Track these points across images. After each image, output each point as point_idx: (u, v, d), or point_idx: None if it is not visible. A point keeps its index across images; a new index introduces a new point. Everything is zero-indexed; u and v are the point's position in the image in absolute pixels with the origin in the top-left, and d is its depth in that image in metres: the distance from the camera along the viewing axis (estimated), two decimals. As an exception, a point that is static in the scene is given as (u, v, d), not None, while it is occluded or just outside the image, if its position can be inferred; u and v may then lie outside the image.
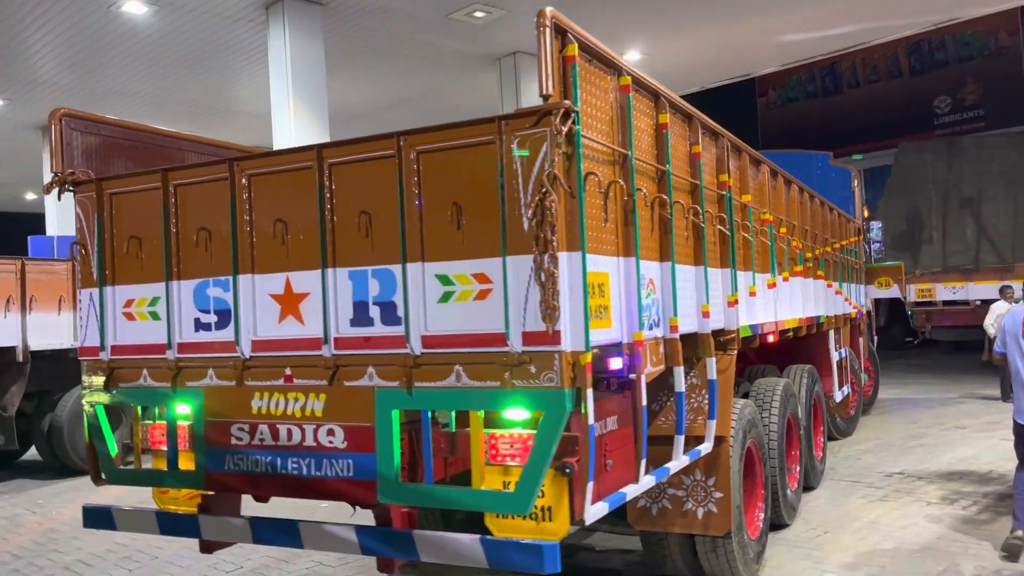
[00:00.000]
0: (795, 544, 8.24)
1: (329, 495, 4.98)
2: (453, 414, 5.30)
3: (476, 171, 4.55)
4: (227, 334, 5.31)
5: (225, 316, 5.33)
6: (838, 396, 11.79)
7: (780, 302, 8.68)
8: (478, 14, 15.04)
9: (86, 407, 5.84)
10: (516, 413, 4.65)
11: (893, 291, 15.31)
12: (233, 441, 5.26)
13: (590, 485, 4.44)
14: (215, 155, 6.83)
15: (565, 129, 4.31)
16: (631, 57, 17.82)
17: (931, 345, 25.92)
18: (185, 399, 5.45)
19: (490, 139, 4.50)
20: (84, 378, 5.83)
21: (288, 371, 5.08)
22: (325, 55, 14.29)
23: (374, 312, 4.85)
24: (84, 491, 12.40)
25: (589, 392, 4.36)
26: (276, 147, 13.73)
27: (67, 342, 12.99)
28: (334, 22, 14.73)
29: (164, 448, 5.77)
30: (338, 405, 4.92)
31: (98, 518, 5.82)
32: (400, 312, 4.76)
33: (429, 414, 4.79)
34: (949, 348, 25.79)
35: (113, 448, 5.81)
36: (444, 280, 4.64)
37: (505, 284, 4.44)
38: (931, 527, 8.63)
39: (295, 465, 5.05)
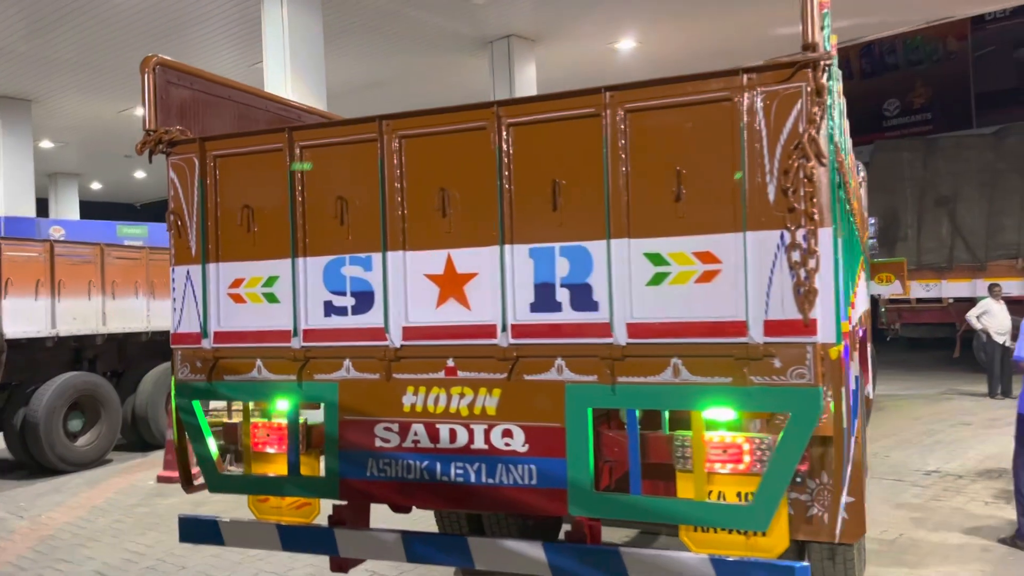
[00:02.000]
0: (877, 549, 7.85)
1: (503, 506, 4.33)
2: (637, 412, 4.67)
3: (702, 133, 3.95)
4: (370, 319, 4.60)
5: (366, 299, 4.62)
6: (871, 392, 11.52)
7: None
8: (482, -8, 14.38)
9: (179, 402, 5.04)
10: (723, 413, 4.08)
11: (895, 287, 15.18)
12: (378, 443, 4.56)
13: (844, 497, 3.90)
14: (309, 120, 6.07)
15: (818, 86, 3.74)
16: (626, 44, 17.39)
17: (892, 342, 26.20)
18: (313, 394, 4.71)
19: (725, 95, 3.90)
20: (177, 369, 5.03)
21: (451, 362, 4.41)
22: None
23: (562, 296, 4.21)
24: (66, 492, 11.40)
25: (843, 391, 3.80)
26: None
27: (44, 330, 11.91)
28: (332, -6, 13.90)
29: (271, 450, 5.02)
30: (517, 402, 4.27)
31: (199, 531, 5.04)
32: (597, 296, 4.14)
33: (636, 414, 4.17)
34: (907, 345, 26.09)
35: (215, 451, 5.03)
36: (656, 259, 4.03)
37: (745, 265, 3.84)
38: (1004, 526, 8.35)
39: (460, 471, 4.38)
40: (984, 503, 9.35)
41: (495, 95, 16.47)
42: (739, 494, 4.13)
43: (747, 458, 4.08)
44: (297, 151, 4.75)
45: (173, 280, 5.03)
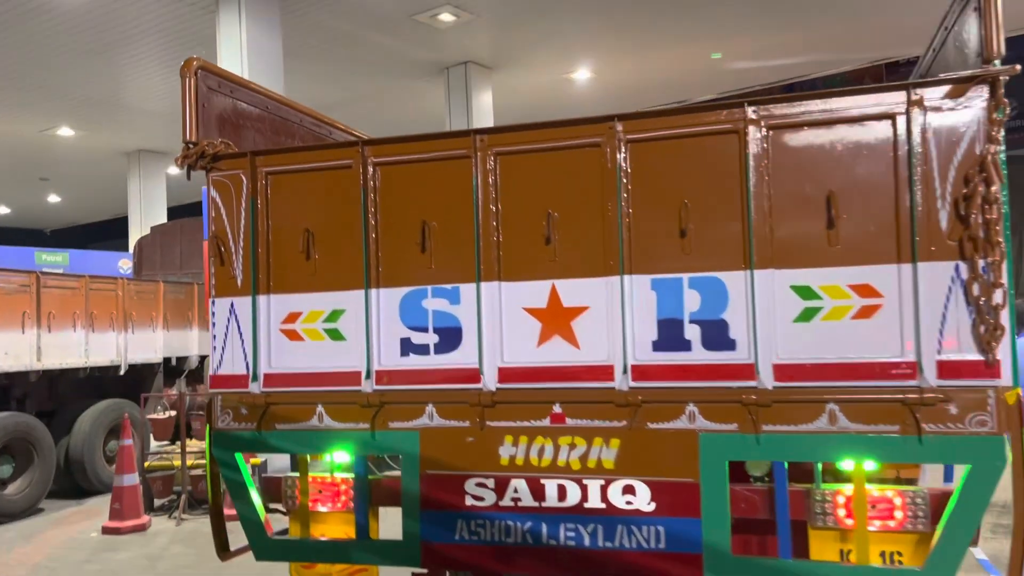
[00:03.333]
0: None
1: (625, 573, 3.80)
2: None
3: (860, 152, 3.56)
4: (457, 359, 4.04)
5: (452, 336, 4.06)
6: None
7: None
8: (445, 17, 13.93)
9: (218, 454, 4.37)
10: (849, 462, 3.67)
11: None
12: (469, 502, 3.99)
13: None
14: (339, 136, 5.49)
15: (998, 101, 3.39)
16: (581, 75, 17.16)
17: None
18: (389, 445, 4.12)
19: (887, 111, 3.51)
20: (216, 417, 4.36)
21: (557, 408, 3.88)
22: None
23: (691, 333, 3.74)
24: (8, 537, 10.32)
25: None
26: (224, 148, 12.08)
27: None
28: (291, 15, 13.24)
29: (323, 508, 4.39)
30: (640, 454, 3.77)
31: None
32: (734, 333, 3.68)
33: (785, 466, 3.71)
34: None
35: (261, 511, 4.36)
36: (805, 293, 3.60)
37: (916, 299, 3.44)
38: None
39: (571, 534, 3.85)
40: None
41: (450, 121, 16.02)
42: (883, 554, 3.71)
43: (899, 514, 3.66)
44: (370, 169, 4.17)
45: (213, 315, 4.38)
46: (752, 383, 3.62)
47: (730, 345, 3.67)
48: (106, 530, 10.69)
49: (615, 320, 3.80)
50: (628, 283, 3.80)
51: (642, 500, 3.76)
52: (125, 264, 19.79)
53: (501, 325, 3.98)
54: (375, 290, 4.16)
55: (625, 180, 3.82)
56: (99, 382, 12.72)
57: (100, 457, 12.56)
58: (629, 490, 3.78)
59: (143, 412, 11.66)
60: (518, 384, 3.94)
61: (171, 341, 13.68)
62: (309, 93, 16.12)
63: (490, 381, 3.96)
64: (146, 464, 11.29)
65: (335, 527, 4.42)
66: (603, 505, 3.80)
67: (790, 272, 3.61)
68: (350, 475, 4.39)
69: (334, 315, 4.23)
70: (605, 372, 3.81)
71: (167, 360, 13.64)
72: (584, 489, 3.83)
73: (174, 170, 22.25)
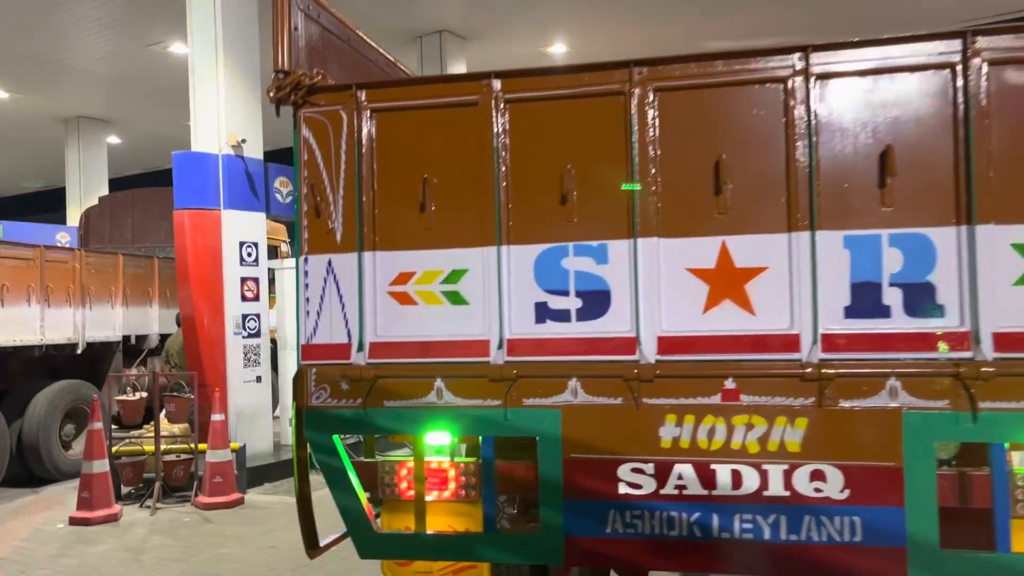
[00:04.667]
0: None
1: (812, 570, 3.32)
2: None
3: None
4: (604, 327, 3.51)
5: (598, 300, 3.53)
6: None
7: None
8: (422, -20, 13.25)
9: (312, 437, 3.76)
10: None
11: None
12: (624, 490, 3.47)
13: None
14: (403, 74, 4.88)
15: None
16: (557, 50, 16.62)
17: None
18: (523, 425, 3.57)
19: None
20: (309, 393, 3.75)
21: (730, 383, 3.38)
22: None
23: (891, 297, 3.28)
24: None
25: None
26: (195, 118, 11.24)
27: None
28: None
29: (431, 497, 3.82)
30: (832, 435, 3.30)
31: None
32: (943, 298, 3.23)
33: (1006, 448, 3.27)
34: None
35: (365, 500, 3.77)
36: (1027, 252, 3.17)
37: None
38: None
39: (748, 526, 3.36)
40: None
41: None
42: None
43: None
44: (501, 106, 3.59)
45: (306, 274, 3.75)
46: (967, 354, 3.17)
47: (938, 311, 3.21)
48: (74, 521, 9.82)
49: (802, 283, 3.31)
50: (817, 240, 3.31)
51: (833, 487, 3.29)
52: (64, 237, 18.59)
53: (660, 288, 3.45)
54: (505, 247, 3.59)
55: (814, 120, 3.32)
56: (54, 361, 11.77)
57: (56, 442, 11.64)
58: (818, 476, 3.30)
59: (111, 394, 10.80)
60: (681, 356, 3.42)
61: (131, 318, 12.77)
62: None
63: (649, 352, 3.43)
64: (113, 450, 10.43)
65: (438, 519, 3.85)
66: (787, 493, 3.32)
67: (1012, 228, 3.17)
68: (461, 459, 3.81)
69: (454, 276, 3.65)
70: (788, 342, 3.32)
71: (126, 339, 12.73)
72: (764, 475, 3.34)
73: (115, 139, 21.03)
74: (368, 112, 3.71)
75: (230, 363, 11.07)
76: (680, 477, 3.41)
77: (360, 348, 3.68)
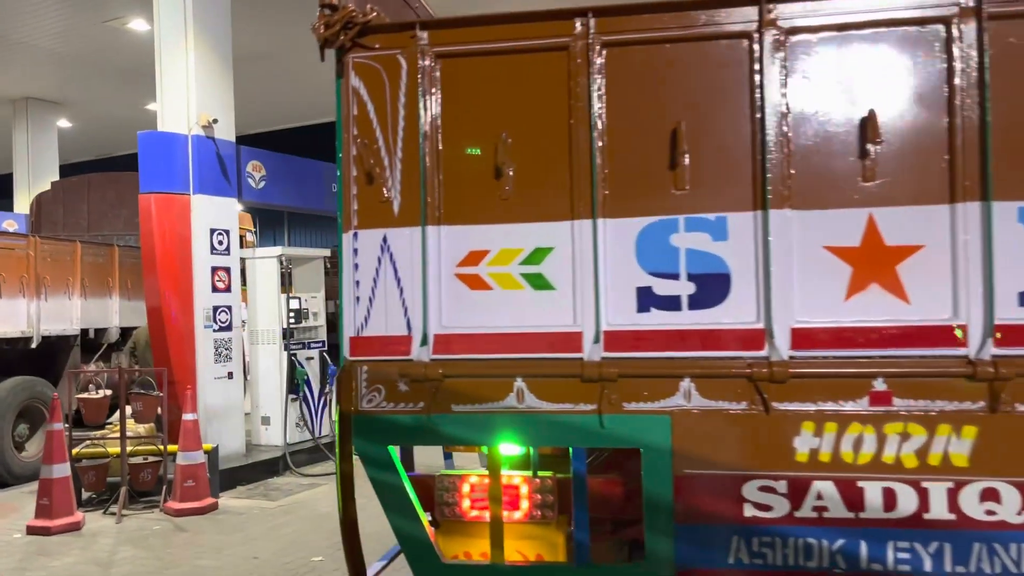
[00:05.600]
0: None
1: (983, 607, 2.77)
2: None
3: None
4: (724, 316, 2.93)
5: (714, 284, 2.94)
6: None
7: None
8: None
9: (362, 448, 3.12)
10: None
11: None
12: (750, 512, 2.89)
13: None
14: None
15: None
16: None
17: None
18: (625, 434, 2.96)
19: None
20: (359, 395, 3.10)
21: (880, 384, 2.82)
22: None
23: (1080, 282, 2.73)
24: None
25: None
26: (162, 96, 10.44)
27: None
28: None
29: (495, 516, 3.21)
30: (1007, 446, 2.74)
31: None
32: None
33: None
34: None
35: (426, 526, 3.13)
36: None
37: None
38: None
39: (905, 556, 2.80)
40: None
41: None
42: None
43: None
44: (597, 50, 2.98)
45: (355, 252, 3.10)
46: None
47: None
48: (32, 530, 8.98)
49: (969, 265, 2.75)
50: (991, 213, 2.75)
51: (1010, 509, 2.74)
52: (11, 225, 17.55)
53: (793, 270, 2.86)
54: (600, 221, 2.97)
55: (976, 74, 2.76)
56: (5, 356, 10.90)
57: (9, 444, 10.76)
58: (990, 495, 2.75)
59: (70, 391, 9.98)
60: (819, 351, 2.85)
61: (89, 311, 11.91)
62: (255, 39, 14.48)
63: (782, 347, 2.85)
64: (74, 452, 9.60)
65: (505, 543, 3.23)
66: (952, 516, 2.77)
67: None
68: (535, 474, 3.20)
69: (537, 255, 3.03)
70: (951, 335, 2.76)
71: (84, 332, 11.87)
72: (923, 494, 2.79)
73: (66, 123, 19.95)
74: (432, 57, 3.08)
75: (200, 358, 10.32)
76: (820, 497, 2.84)
77: (424, 342, 3.04)
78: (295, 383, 11.10)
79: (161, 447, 9.26)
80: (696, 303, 2.95)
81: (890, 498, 2.81)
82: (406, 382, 3.06)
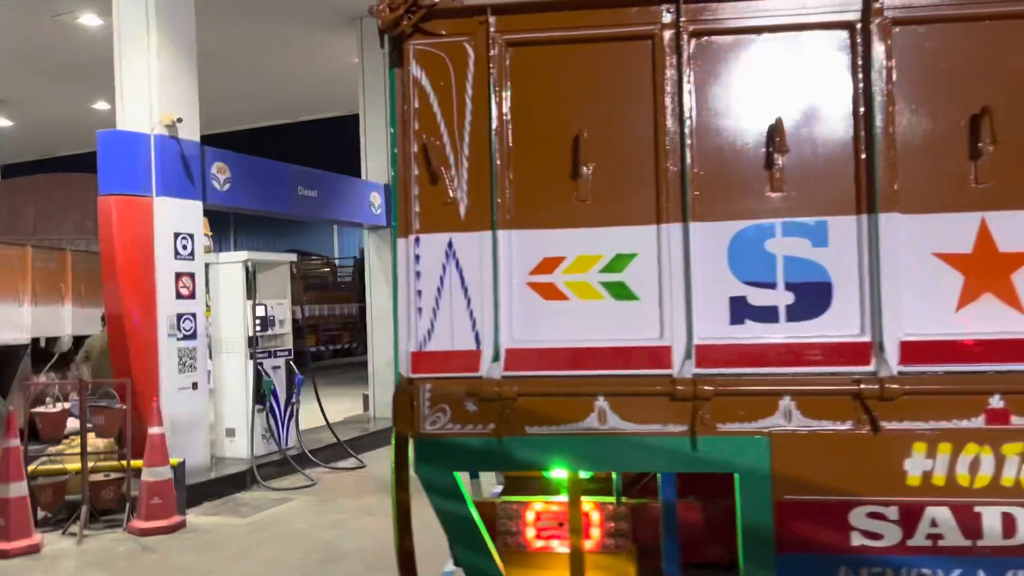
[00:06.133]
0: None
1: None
2: None
3: None
4: (826, 328, 2.71)
5: (814, 294, 2.73)
6: None
7: None
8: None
9: (425, 475, 2.83)
10: None
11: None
12: (858, 541, 2.67)
13: None
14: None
15: None
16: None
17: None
18: (719, 457, 2.72)
19: None
20: (422, 416, 2.82)
21: (997, 401, 2.63)
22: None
23: None
24: None
25: None
26: (122, 94, 9.96)
27: None
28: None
29: (559, 547, 2.94)
30: None
31: None
32: None
33: None
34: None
35: (498, 562, 2.85)
36: None
37: None
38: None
39: (1031, 588, 2.60)
40: None
41: (363, 79, 14.18)
42: None
43: None
44: (685, 38, 2.74)
45: (416, 259, 2.82)
46: None
47: None
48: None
49: None
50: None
51: None
52: (-53, 229, 16.73)
53: (900, 279, 2.66)
54: (690, 225, 2.73)
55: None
56: (-49, 366, 10.31)
57: (-46, 459, 10.12)
58: (1121, 522, 2.56)
59: (24, 404, 9.44)
60: (932, 366, 2.64)
61: (41, 319, 11.33)
62: (218, 36, 13.99)
63: (892, 362, 2.63)
64: (29, 469, 9.07)
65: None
66: (1082, 545, 2.57)
67: None
68: (619, 500, 2.95)
69: (618, 262, 2.78)
70: None
71: (35, 341, 11.28)
72: (1048, 522, 2.59)
73: (5, 121, 19.14)
74: (503, 45, 2.81)
75: (163, 368, 9.85)
76: (934, 524, 2.63)
77: (495, 357, 2.76)
78: (262, 393, 10.68)
79: (124, 463, 8.79)
80: (794, 314, 2.72)
81: (1009, 524, 2.62)
82: (475, 402, 2.78)
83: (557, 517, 3.00)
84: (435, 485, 2.81)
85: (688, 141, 2.74)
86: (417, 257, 2.82)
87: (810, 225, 2.72)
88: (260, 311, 10.75)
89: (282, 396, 10.96)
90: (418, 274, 2.82)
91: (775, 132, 2.68)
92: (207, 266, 10.66)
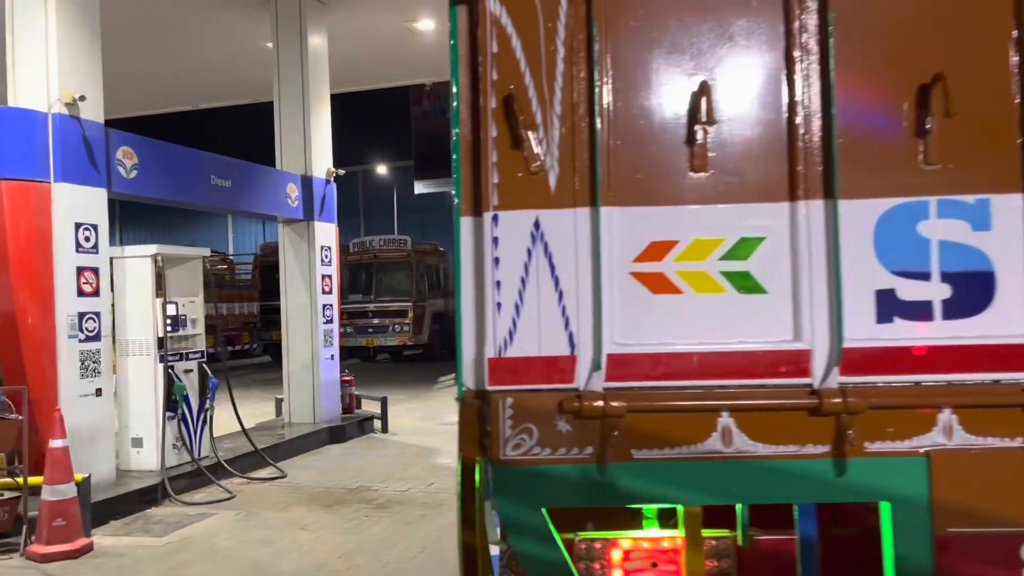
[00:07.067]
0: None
1: None
2: None
3: None
4: (989, 328, 2.27)
5: (975, 286, 2.29)
6: None
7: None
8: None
9: (506, 510, 2.26)
10: None
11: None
12: (1038, 581, 2.23)
13: None
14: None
15: None
16: (425, 25, 15.07)
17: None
18: (869, 484, 2.25)
19: None
20: (502, 439, 2.25)
21: None
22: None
23: None
24: None
25: None
26: (14, 66, 8.96)
27: None
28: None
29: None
30: None
31: None
32: None
33: None
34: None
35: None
36: None
37: None
38: None
39: None
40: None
41: (278, 62, 13.29)
42: None
43: None
44: (825, -22, 2.26)
45: (494, 242, 2.25)
46: None
47: None
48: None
49: None
50: None
51: None
52: None
53: (1075, 268, 2.24)
54: (839, 203, 2.25)
55: None
56: None
57: None
58: None
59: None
60: None
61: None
62: (123, 11, 12.88)
63: (1085, 363, 2.21)
64: (-29, 485, 8.03)
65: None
66: None
67: None
68: (746, 540, 2.44)
69: (743, 247, 2.28)
70: None
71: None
72: None
73: None
74: (606, -19, 2.26)
75: (63, 373, 8.87)
76: None
77: (596, 365, 2.21)
78: (173, 399, 9.80)
79: (19, 480, 7.82)
80: (951, 311, 2.27)
81: None
82: (569, 420, 2.22)
83: (651, 555, 2.48)
84: (518, 524, 2.24)
85: (832, 96, 2.25)
86: (496, 240, 2.25)
87: (969, 204, 2.27)
88: (171, 310, 9.87)
89: (195, 402, 10.09)
90: (497, 261, 2.25)
91: (935, 90, 2.22)
92: (112, 261, 9.72)
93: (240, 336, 22.26)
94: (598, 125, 2.25)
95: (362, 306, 21.13)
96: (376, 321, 22.10)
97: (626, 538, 2.54)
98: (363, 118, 27.29)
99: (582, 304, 2.25)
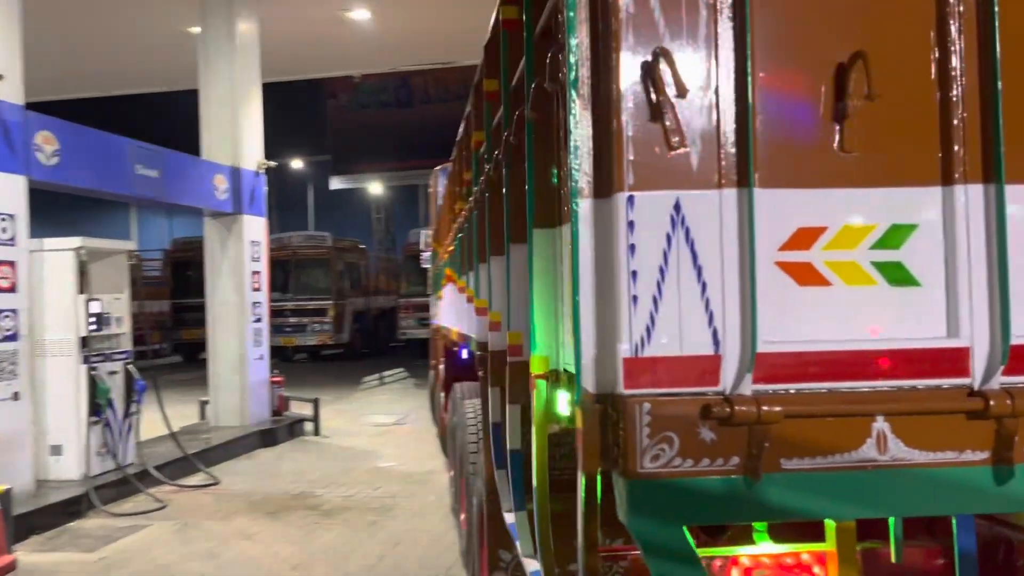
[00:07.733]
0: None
1: None
2: None
3: None
4: None
5: None
6: None
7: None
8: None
9: (645, 532, 2.00)
10: None
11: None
12: None
13: None
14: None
15: None
16: (359, 15, 14.58)
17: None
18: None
19: None
20: (637, 451, 1.99)
21: None
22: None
23: None
24: None
25: None
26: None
27: None
28: None
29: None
30: None
31: None
32: None
33: None
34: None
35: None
36: None
37: None
38: None
39: None
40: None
41: (207, 50, 12.59)
42: None
43: None
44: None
45: (629, 227, 1.99)
46: None
47: None
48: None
49: None
50: None
51: None
52: None
53: None
54: (1005, 188, 2.07)
55: None
56: None
57: None
58: None
59: None
60: None
61: None
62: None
63: None
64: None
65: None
66: None
67: None
68: (898, 556, 2.23)
69: (894, 235, 2.07)
70: None
71: None
72: None
73: None
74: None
75: (-25, 377, 8.25)
76: None
77: (748, 366, 1.96)
78: (97, 403, 9.18)
79: (-67, 494, 7.18)
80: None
81: None
82: (713, 427, 1.97)
83: (776, 572, 2.24)
84: (657, 544, 1.98)
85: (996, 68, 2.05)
86: (631, 224, 1.98)
87: None
88: (95, 307, 9.25)
89: (120, 405, 9.49)
90: (632, 248, 1.98)
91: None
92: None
93: (150, 336, 21.31)
94: (749, 97, 2.00)
95: (280, 304, 20.45)
96: (294, 320, 21.49)
97: (743, 555, 2.30)
98: (273, 110, 26.51)
99: (728, 297, 2.00)
